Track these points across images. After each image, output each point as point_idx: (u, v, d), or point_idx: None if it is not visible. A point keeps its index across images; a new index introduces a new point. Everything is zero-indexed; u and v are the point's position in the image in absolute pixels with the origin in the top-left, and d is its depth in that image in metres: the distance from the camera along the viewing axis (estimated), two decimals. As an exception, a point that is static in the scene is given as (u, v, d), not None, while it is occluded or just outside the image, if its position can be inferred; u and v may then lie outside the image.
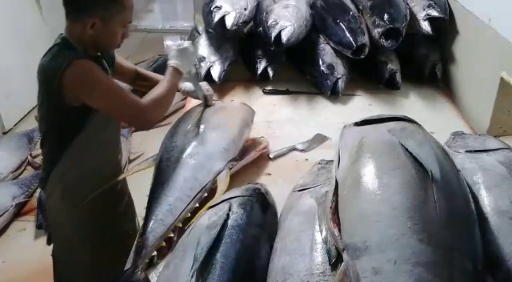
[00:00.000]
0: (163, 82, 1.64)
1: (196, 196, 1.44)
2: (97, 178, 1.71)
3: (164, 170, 1.49)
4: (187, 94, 1.88)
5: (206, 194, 1.47)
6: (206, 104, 1.80)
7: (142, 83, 1.96)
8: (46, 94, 1.57)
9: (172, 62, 1.68)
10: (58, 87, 1.48)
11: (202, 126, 1.64)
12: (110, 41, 1.60)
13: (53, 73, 1.48)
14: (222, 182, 1.49)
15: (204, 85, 1.83)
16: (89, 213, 1.71)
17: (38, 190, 3.21)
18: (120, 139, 1.89)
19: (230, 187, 1.47)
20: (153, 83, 1.88)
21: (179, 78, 1.69)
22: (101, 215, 1.75)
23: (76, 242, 1.79)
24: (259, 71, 2.37)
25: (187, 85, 1.85)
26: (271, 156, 1.80)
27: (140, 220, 1.43)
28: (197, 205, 1.44)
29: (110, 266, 1.81)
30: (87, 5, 1.53)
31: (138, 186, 1.92)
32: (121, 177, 1.67)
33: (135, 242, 1.32)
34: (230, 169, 1.58)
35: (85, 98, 1.52)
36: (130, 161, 3.42)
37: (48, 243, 1.92)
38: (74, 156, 1.66)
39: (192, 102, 2.11)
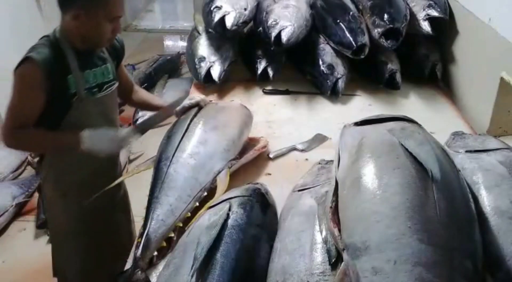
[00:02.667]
0: (54, 134, 1.64)
1: (196, 195, 1.44)
2: (89, 165, 1.74)
3: (163, 170, 1.49)
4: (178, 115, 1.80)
5: (205, 193, 1.47)
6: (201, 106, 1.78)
7: (135, 101, 1.99)
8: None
9: (86, 139, 1.61)
10: None
11: (202, 126, 1.64)
12: (98, 34, 1.59)
13: (15, 67, 1.58)
14: (222, 182, 1.49)
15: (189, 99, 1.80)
16: (77, 202, 1.73)
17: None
18: (117, 121, 1.88)
19: (230, 187, 1.47)
20: (146, 103, 1.99)
21: (73, 148, 1.61)
22: (97, 204, 1.74)
23: (69, 228, 1.82)
24: (259, 71, 2.37)
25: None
26: (271, 156, 1.80)
27: (140, 220, 1.42)
28: (197, 204, 1.44)
29: (104, 256, 1.85)
30: None
31: (138, 186, 1.92)
32: (120, 179, 1.67)
33: (135, 242, 1.32)
34: (230, 168, 1.58)
35: None
36: (130, 161, 3.42)
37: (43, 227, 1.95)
38: None
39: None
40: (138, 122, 3.71)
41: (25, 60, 1.55)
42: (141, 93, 2.03)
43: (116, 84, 1.79)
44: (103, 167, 1.80)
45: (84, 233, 1.81)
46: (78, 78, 1.62)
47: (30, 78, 1.55)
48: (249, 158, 1.71)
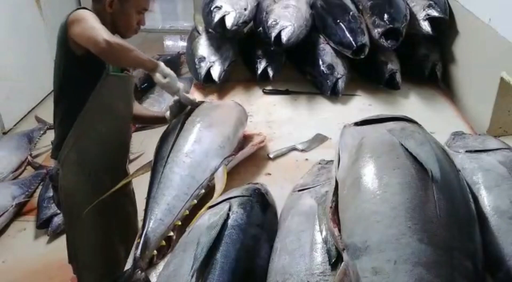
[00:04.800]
0: (137, 51, 1.65)
1: (193, 193, 1.44)
2: (109, 147, 1.84)
3: (159, 169, 1.49)
4: (173, 115, 1.83)
5: (203, 191, 1.48)
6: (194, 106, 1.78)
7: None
8: (59, 47, 1.70)
9: (163, 66, 1.67)
10: (65, 35, 1.63)
11: (196, 125, 1.64)
12: (126, 23, 1.74)
13: (64, 22, 1.63)
14: (220, 180, 1.49)
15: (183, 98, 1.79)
16: (99, 183, 1.80)
17: (38, 190, 3.21)
18: (132, 109, 1.95)
19: (230, 186, 1.47)
20: (144, 117, 2.09)
21: (149, 67, 1.64)
22: (108, 188, 1.75)
23: (86, 211, 1.77)
24: (259, 71, 2.37)
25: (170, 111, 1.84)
26: (271, 156, 1.80)
27: (139, 221, 1.43)
28: (195, 202, 1.44)
29: (114, 244, 1.90)
30: None
31: (138, 187, 1.93)
32: (122, 183, 1.67)
33: (135, 242, 1.32)
34: (226, 165, 1.57)
35: (70, 31, 1.60)
36: (130, 161, 3.41)
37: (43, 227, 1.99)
38: (87, 120, 1.75)
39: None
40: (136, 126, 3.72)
41: (73, 12, 1.62)
42: (136, 106, 2.09)
43: (133, 75, 1.92)
44: (117, 147, 1.91)
45: (100, 217, 1.82)
46: None
47: (88, 12, 1.64)
48: (246, 154, 1.71)
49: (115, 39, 1.58)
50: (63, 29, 1.63)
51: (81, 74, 1.70)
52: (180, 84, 1.72)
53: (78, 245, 1.94)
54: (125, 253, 1.84)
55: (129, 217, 2.02)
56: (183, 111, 1.77)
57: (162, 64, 1.67)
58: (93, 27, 1.57)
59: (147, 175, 1.55)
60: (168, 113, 1.85)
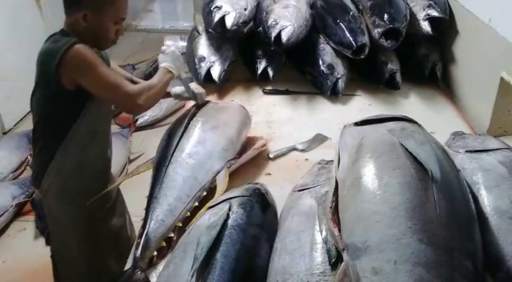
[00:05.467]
0: (155, 77, 1.69)
1: (195, 195, 1.44)
2: (92, 172, 1.75)
3: (162, 170, 1.49)
4: (178, 97, 1.90)
5: (205, 193, 1.47)
6: (198, 102, 1.82)
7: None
8: (43, 76, 1.60)
9: (163, 64, 1.72)
10: (57, 68, 1.52)
11: (201, 126, 1.64)
12: (104, 35, 1.63)
13: (53, 54, 1.52)
14: (221, 182, 1.49)
15: (193, 84, 1.86)
16: (83, 209, 1.73)
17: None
18: (110, 133, 1.88)
19: (230, 186, 1.47)
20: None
21: (170, 77, 1.72)
22: (92, 212, 1.75)
23: (73, 238, 1.81)
24: (259, 72, 2.37)
25: (177, 89, 1.87)
26: (271, 156, 1.80)
27: (138, 221, 1.42)
28: (197, 204, 1.44)
29: (105, 264, 1.83)
30: None
31: (138, 187, 1.92)
32: (120, 181, 1.67)
33: (135, 242, 1.32)
34: (229, 168, 1.57)
35: (81, 79, 1.54)
36: (130, 161, 3.41)
37: (47, 243, 1.92)
38: (71, 148, 1.67)
39: (191, 103, 2.11)
40: (138, 121, 3.72)
41: (72, 45, 1.51)
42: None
43: None
44: (100, 171, 1.82)
45: (88, 241, 1.80)
46: None
47: (89, 50, 1.55)
48: (248, 157, 1.71)
49: (140, 90, 1.58)
50: (52, 63, 1.51)
51: (66, 105, 1.62)
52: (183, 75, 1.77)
53: (66, 273, 1.90)
54: (117, 267, 1.79)
55: (120, 231, 1.94)
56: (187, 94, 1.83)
57: (171, 67, 1.71)
58: (115, 84, 1.55)
59: (147, 175, 1.55)
60: (173, 90, 1.86)
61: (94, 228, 1.80)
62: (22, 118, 4.15)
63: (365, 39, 2.20)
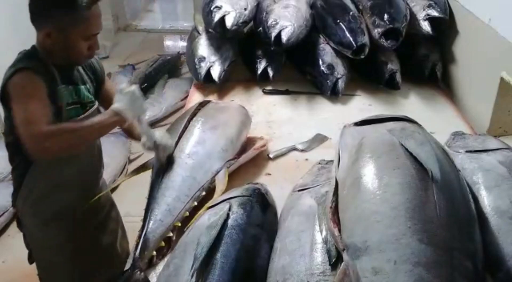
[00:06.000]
0: (94, 118, 1.48)
1: (194, 195, 1.44)
2: (70, 191, 1.67)
3: (161, 170, 1.49)
4: (147, 150, 1.58)
5: (204, 193, 1.47)
6: (159, 156, 1.53)
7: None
8: (2, 104, 1.52)
9: (114, 105, 1.46)
10: (4, 96, 1.45)
11: (200, 126, 1.64)
12: (73, 52, 1.52)
13: (3, 82, 1.46)
14: (221, 182, 1.49)
15: (159, 133, 1.56)
16: (64, 227, 1.68)
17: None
18: (99, 149, 1.78)
19: (230, 186, 1.47)
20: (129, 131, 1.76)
21: (117, 121, 1.45)
22: (75, 231, 1.71)
23: (56, 259, 1.75)
24: (259, 72, 2.37)
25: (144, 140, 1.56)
26: (271, 156, 1.80)
27: (138, 220, 1.42)
28: (196, 203, 1.44)
29: (98, 275, 1.78)
30: (40, 14, 1.48)
31: (137, 187, 1.92)
32: (118, 182, 1.65)
33: (134, 242, 1.32)
34: (228, 168, 1.57)
35: (12, 110, 1.42)
36: (130, 161, 3.41)
37: (30, 262, 1.82)
38: (43, 169, 1.60)
39: (191, 103, 2.11)
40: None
41: (18, 71, 1.43)
42: None
43: (96, 105, 1.68)
44: (83, 188, 1.73)
45: (72, 260, 1.74)
46: (66, 90, 1.54)
47: (32, 82, 1.43)
48: (247, 158, 1.71)
49: (53, 132, 1.36)
50: (3, 86, 1.45)
51: None
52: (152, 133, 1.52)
53: None
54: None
55: (109, 249, 1.89)
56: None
57: (118, 105, 1.45)
58: (29, 120, 1.35)
59: (147, 175, 1.55)
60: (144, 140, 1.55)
61: (78, 248, 1.73)
62: (22, 118, 4.14)
63: (365, 39, 2.20)
